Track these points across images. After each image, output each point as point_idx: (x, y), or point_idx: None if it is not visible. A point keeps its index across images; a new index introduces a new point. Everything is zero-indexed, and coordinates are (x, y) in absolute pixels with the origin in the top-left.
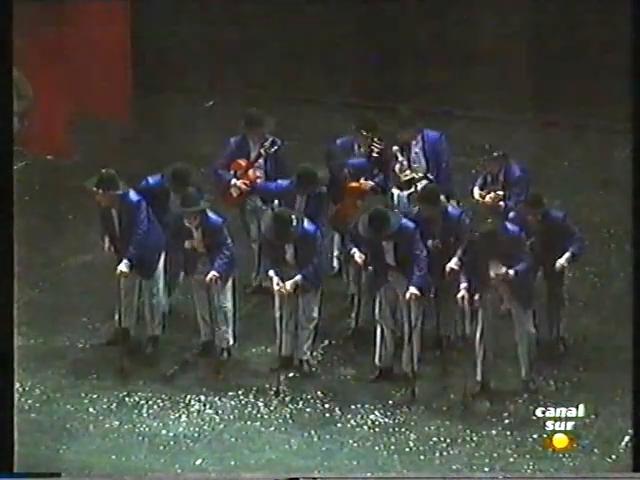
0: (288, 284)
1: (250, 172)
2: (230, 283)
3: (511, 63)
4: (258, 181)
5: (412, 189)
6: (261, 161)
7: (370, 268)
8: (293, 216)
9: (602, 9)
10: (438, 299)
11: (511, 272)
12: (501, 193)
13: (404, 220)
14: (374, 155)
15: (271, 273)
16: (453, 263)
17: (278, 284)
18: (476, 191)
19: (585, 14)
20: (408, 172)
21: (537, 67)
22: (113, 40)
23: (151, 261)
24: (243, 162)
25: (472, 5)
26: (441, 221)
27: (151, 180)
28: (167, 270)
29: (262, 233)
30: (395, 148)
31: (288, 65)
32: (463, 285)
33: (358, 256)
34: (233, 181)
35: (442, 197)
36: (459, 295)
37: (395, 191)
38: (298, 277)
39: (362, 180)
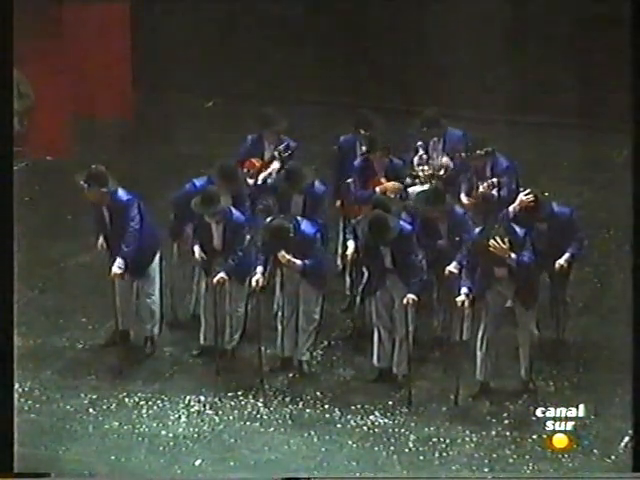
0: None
1: (263, 173)
2: (246, 286)
3: (510, 63)
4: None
5: (426, 185)
6: (276, 163)
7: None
8: (290, 224)
9: (602, 8)
10: (439, 300)
11: (513, 256)
12: (495, 180)
13: (402, 223)
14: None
15: (259, 269)
16: (452, 266)
17: (257, 281)
18: (463, 197)
19: (584, 12)
20: (426, 167)
21: (536, 67)
22: (113, 40)
23: (144, 260)
24: (257, 162)
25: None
26: (446, 221)
27: (198, 182)
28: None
29: (261, 239)
30: (419, 143)
31: (286, 65)
32: (464, 290)
33: (352, 249)
34: (247, 179)
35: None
36: (459, 299)
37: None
38: (299, 263)
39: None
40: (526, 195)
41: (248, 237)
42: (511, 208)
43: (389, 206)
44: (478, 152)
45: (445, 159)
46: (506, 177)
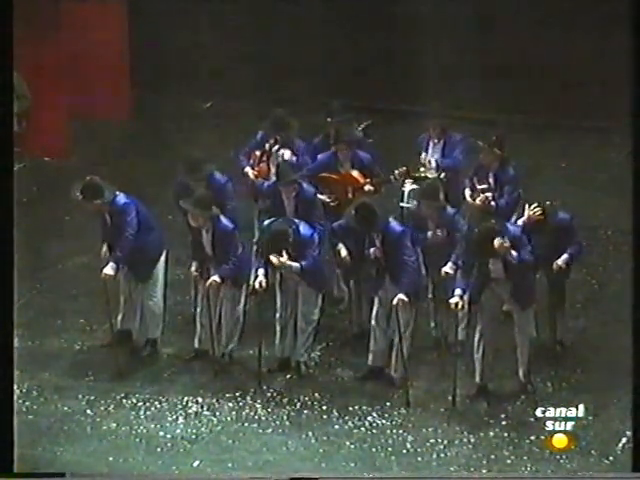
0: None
1: (263, 165)
2: (243, 291)
3: (509, 64)
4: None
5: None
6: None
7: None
8: (289, 228)
9: (601, 9)
10: (435, 300)
11: (514, 253)
12: (490, 195)
13: (393, 222)
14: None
15: (260, 271)
16: (448, 267)
17: (260, 282)
18: (467, 193)
19: (584, 14)
20: (423, 169)
21: (535, 67)
22: (111, 41)
23: (147, 264)
24: (258, 153)
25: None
26: (437, 219)
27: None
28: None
29: (259, 240)
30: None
31: (280, 66)
32: (457, 292)
33: (344, 252)
34: (246, 169)
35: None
36: (452, 300)
37: (407, 186)
38: (295, 265)
39: (362, 176)
40: (534, 210)
41: (240, 245)
42: (520, 222)
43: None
44: (495, 150)
45: (436, 162)
46: (509, 186)
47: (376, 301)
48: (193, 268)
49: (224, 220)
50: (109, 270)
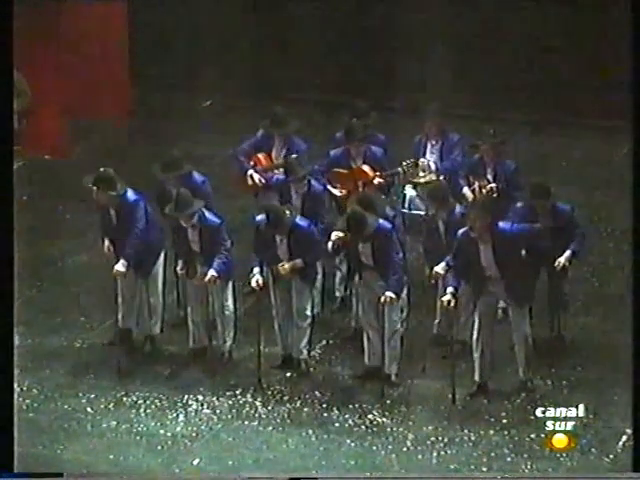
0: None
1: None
2: (231, 285)
3: (509, 62)
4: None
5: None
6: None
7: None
8: (286, 210)
9: (602, 6)
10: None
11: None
12: (494, 185)
13: (381, 221)
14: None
15: (255, 270)
16: (440, 267)
17: (257, 282)
18: (466, 190)
19: (585, 11)
20: (423, 173)
21: (536, 66)
22: (111, 39)
23: (148, 260)
24: (263, 159)
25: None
26: (447, 220)
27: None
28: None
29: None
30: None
31: (279, 63)
32: (450, 289)
33: (334, 234)
34: (250, 172)
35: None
36: (445, 298)
37: (408, 191)
38: (298, 261)
39: (373, 170)
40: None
41: (228, 240)
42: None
43: (374, 202)
44: (497, 141)
45: (435, 165)
46: (513, 178)
47: (364, 299)
48: (179, 267)
49: (209, 215)
50: (120, 267)
